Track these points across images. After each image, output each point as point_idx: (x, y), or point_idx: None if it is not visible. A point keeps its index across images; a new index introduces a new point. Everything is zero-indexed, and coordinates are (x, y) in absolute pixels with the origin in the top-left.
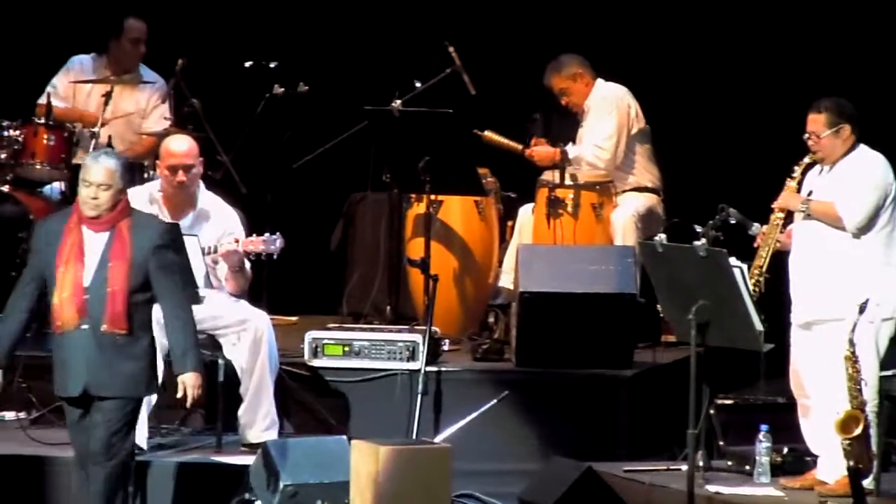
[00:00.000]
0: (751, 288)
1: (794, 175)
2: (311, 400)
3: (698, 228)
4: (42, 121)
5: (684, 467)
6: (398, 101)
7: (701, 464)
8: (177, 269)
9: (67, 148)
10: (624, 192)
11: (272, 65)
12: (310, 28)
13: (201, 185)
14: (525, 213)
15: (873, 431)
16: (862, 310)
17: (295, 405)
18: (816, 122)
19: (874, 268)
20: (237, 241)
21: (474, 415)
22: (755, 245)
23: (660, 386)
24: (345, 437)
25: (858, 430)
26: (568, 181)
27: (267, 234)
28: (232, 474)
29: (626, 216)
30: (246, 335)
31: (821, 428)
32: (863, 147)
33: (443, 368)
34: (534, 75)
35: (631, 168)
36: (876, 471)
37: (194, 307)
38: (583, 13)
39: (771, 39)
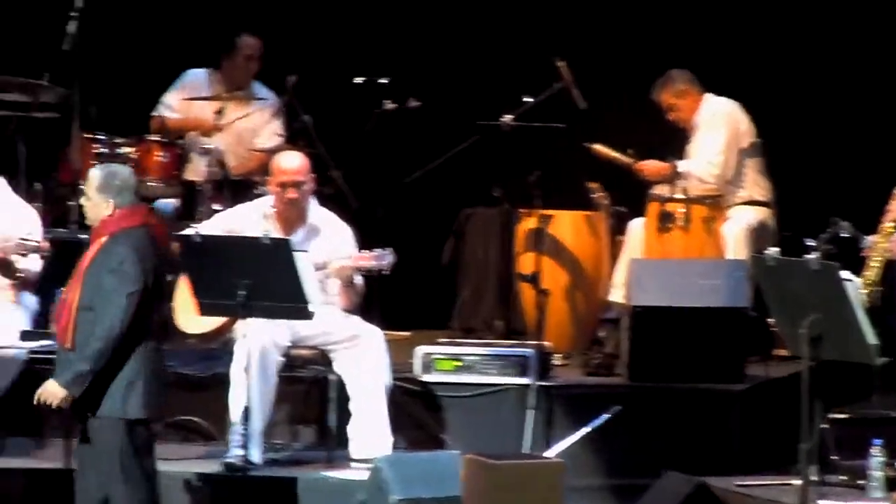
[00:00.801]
0: (863, 301)
1: None
2: (422, 415)
3: (810, 242)
4: (155, 137)
5: (797, 482)
6: (508, 116)
7: (814, 478)
8: (111, 297)
9: (180, 164)
10: (735, 205)
11: (383, 81)
12: (420, 44)
13: (313, 200)
14: (636, 227)
15: None
16: None
17: (406, 420)
18: None
19: None
20: (349, 258)
21: (586, 430)
22: (864, 255)
23: (772, 400)
24: (456, 451)
25: None
26: (679, 195)
27: (378, 250)
28: (344, 489)
29: (737, 230)
30: (358, 350)
31: None
32: None
33: (554, 383)
34: (643, 90)
35: (742, 182)
36: None
37: (307, 322)
38: (692, 27)
39: (882, 51)
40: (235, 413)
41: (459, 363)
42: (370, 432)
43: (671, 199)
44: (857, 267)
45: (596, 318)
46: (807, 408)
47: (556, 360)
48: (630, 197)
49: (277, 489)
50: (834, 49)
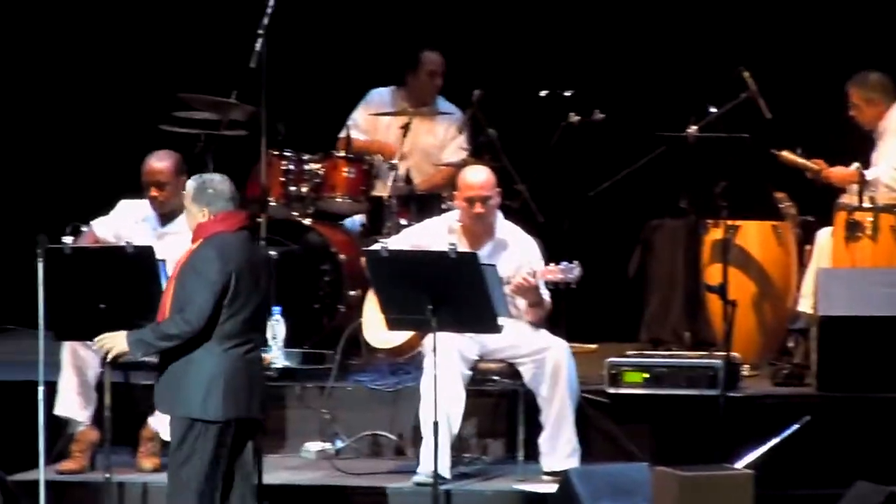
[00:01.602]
0: None
1: None
2: (611, 427)
3: None
4: (342, 154)
5: None
6: (694, 127)
7: None
8: (191, 296)
9: (367, 180)
10: None
11: (567, 93)
12: (605, 56)
13: (499, 214)
14: (823, 236)
15: None
16: None
17: (595, 433)
18: None
19: None
20: (533, 273)
21: (776, 440)
22: None
23: None
24: (646, 464)
25: None
26: (866, 204)
27: (565, 263)
28: (534, 502)
29: None
30: (546, 363)
31: None
32: None
33: (742, 394)
34: (828, 98)
35: None
36: None
37: (495, 336)
38: (883, 33)
39: None
40: (425, 427)
41: (647, 375)
42: (560, 445)
43: (859, 209)
44: None
45: (784, 329)
46: None
47: (745, 370)
48: (817, 206)
49: (467, 503)
50: None
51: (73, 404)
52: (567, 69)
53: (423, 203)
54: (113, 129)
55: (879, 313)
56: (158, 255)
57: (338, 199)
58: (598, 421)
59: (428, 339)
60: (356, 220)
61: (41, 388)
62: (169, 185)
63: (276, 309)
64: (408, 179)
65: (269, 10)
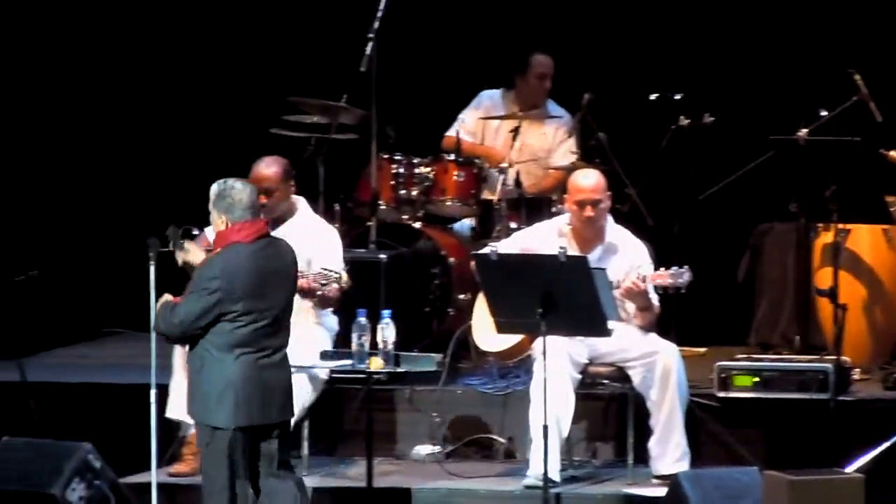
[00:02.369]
0: None
1: None
2: (721, 431)
3: None
4: (451, 156)
5: None
6: (804, 131)
7: None
8: (188, 298)
9: (477, 184)
10: None
11: (677, 97)
12: (715, 59)
13: (609, 218)
14: None
15: None
16: None
17: (705, 436)
18: None
19: None
20: (643, 278)
21: (887, 444)
22: None
23: None
24: (756, 468)
25: None
26: None
27: (675, 268)
28: None
29: None
30: (655, 367)
31: None
32: None
33: (853, 398)
34: None
35: None
36: None
37: (604, 339)
38: None
39: None
40: (535, 430)
41: (757, 378)
42: (669, 449)
43: None
44: None
45: (895, 333)
46: None
47: (855, 374)
48: None
49: None
50: None
51: (184, 407)
52: (677, 72)
53: (533, 206)
54: (224, 133)
55: None
56: None
57: (448, 203)
58: (708, 425)
59: (537, 343)
60: (466, 224)
61: (153, 392)
62: (277, 190)
63: (386, 312)
64: (517, 183)
65: (379, 14)
